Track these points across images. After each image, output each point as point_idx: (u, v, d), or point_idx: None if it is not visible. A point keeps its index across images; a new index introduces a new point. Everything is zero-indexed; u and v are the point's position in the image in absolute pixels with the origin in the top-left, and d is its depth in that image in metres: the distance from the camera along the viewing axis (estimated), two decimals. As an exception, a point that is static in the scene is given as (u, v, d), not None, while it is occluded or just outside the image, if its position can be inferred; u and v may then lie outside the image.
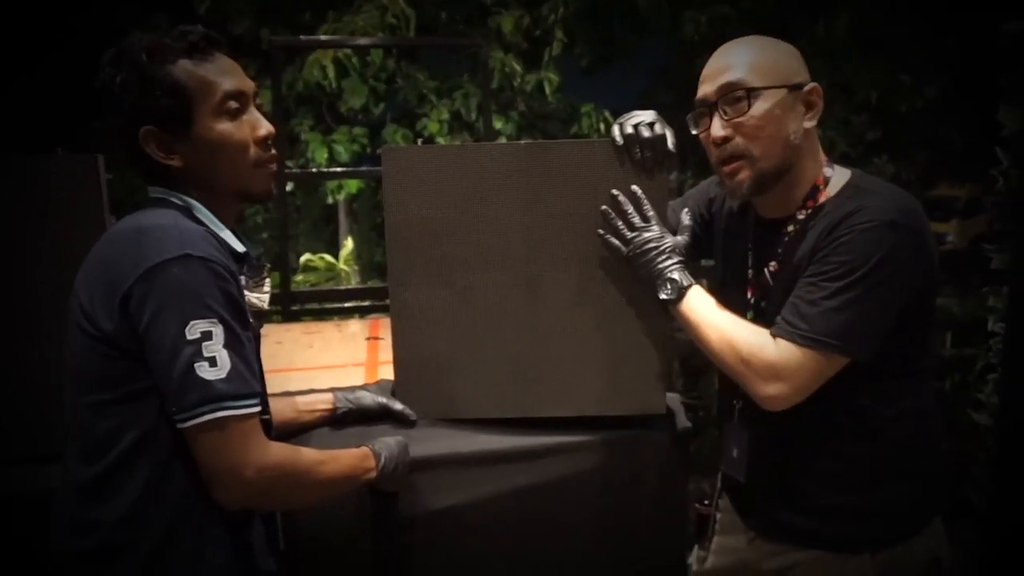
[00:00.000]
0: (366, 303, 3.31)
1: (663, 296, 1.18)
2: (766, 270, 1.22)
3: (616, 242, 1.21)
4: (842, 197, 1.14)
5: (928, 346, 1.21)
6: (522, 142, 1.32)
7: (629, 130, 1.18)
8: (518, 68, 6.65)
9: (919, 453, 1.20)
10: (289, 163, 6.60)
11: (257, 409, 0.92)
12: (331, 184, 6.77)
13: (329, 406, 1.30)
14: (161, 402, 0.90)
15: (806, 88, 1.15)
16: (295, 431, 1.25)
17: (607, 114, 7.14)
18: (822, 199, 1.16)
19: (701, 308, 1.17)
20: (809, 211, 1.17)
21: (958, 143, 7.19)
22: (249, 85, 1.01)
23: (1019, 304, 1.98)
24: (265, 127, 1.01)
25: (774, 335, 1.12)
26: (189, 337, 0.87)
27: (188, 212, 0.98)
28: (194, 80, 0.96)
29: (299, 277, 6.48)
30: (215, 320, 0.88)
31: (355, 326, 2.44)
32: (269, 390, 1.47)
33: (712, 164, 1.20)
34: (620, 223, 1.20)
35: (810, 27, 6.38)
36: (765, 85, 1.12)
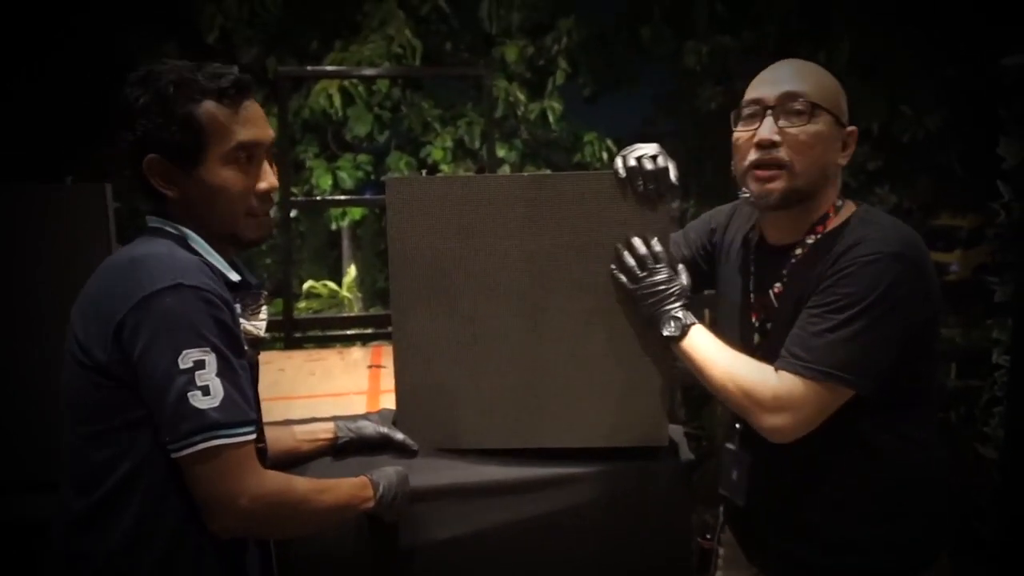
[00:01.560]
0: (368, 331, 3.32)
1: (666, 333, 1.18)
2: (771, 292, 1.22)
3: (624, 279, 1.22)
4: (848, 226, 1.15)
5: (932, 377, 1.21)
6: (526, 174, 1.33)
7: (632, 162, 1.19)
8: (522, 97, 6.73)
9: (923, 484, 1.18)
10: (294, 189, 6.64)
11: (251, 437, 0.91)
12: (335, 211, 6.81)
13: (330, 435, 1.29)
14: (155, 432, 0.90)
15: (848, 128, 1.17)
16: (295, 461, 1.25)
17: (610, 142, 7.21)
18: (831, 227, 1.18)
19: (703, 345, 1.17)
20: (818, 236, 1.18)
21: (959, 173, 7.23)
22: (267, 136, 1.01)
23: (1023, 336, 1.98)
24: (268, 181, 1.01)
25: (778, 368, 1.12)
26: (182, 366, 0.87)
27: (183, 241, 0.99)
28: (214, 124, 0.96)
29: (302, 304, 6.49)
30: (208, 349, 0.88)
31: (357, 354, 2.44)
32: (270, 418, 1.46)
33: (737, 167, 1.19)
34: (633, 262, 1.21)
35: (811, 57, 6.45)
36: (827, 107, 1.14)
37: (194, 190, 0.98)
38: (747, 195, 1.19)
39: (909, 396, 1.16)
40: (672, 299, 1.19)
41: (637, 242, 1.21)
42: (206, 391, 0.87)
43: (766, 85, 1.16)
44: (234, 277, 1.01)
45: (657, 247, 1.21)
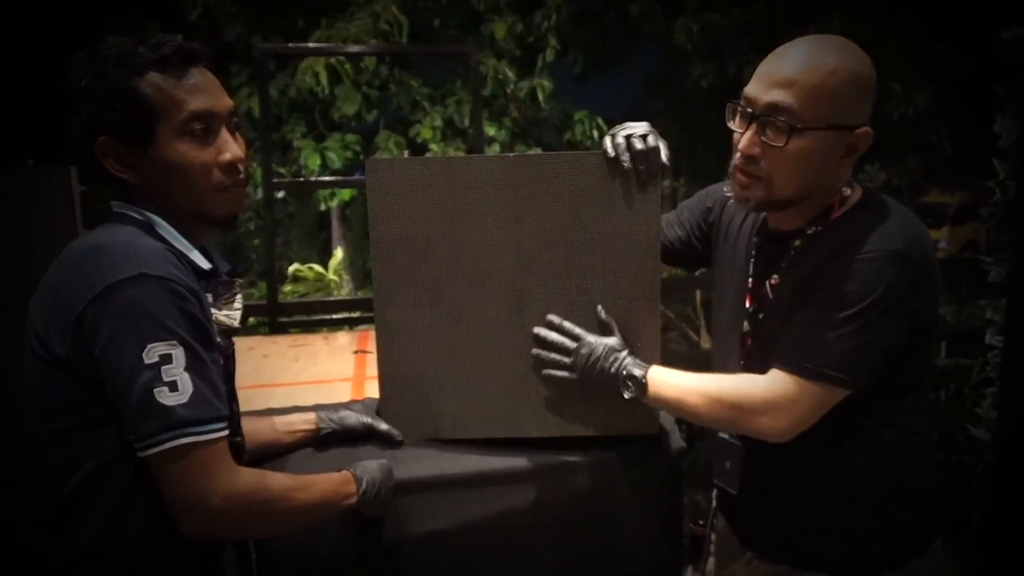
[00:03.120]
0: (355, 315, 3.28)
1: (628, 395, 1.14)
2: (768, 282, 1.19)
3: (563, 374, 1.18)
4: (850, 217, 1.11)
5: (926, 366, 1.19)
6: (511, 154, 1.29)
7: (620, 141, 1.15)
8: (511, 75, 6.65)
9: (917, 470, 1.17)
10: (282, 170, 6.57)
11: (223, 434, 0.88)
12: (324, 191, 6.73)
13: (312, 426, 1.26)
14: (120, 430, 0.86)
15: (858, 131, 1.08)
16: (276, 453, 1.21)
17: (600, 121, 7.15)
18: (834, 216, 1.13)
19: (669, 382, 1.14)
20: (819, 228, 1.14)
21: (949, 150, 7.23)
22: (223, 105, 0.96)
23: (1017, 317, 1.96)
24: (231, 151, 0.95)
25: (774, 366, 1.09)
26: (147, 361, 0.82)
27: (149, 228, 0.94)
28: (160, 95, 0.91)
29: (288, 288, 6.42)
30: (175, 342, 0.84)
31: (343, 339, 2.40)
32: (252, 406, 1.43)
33: (733, 160, 1.14)
34: (555, 355, 1.18)
35: (800, 34, 6.40)
36: (813, 125, 1.04)
37: (152, 170, 0.93)
38: (729, 193, 1.16)
39: (902, 385, 1.14)
40: (610, 359, 1.14)
41: (542, 332, 1.18)
42: (173, 387, 0.83)
43: (758, 83, 1.08)
44: (204, 265, 0.96)
45: (565, 324, 1.17)
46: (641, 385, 1.14)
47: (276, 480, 0.95)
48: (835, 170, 1.11)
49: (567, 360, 1.17)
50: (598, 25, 7.54)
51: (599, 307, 1.19)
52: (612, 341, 1.17)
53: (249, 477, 0.91)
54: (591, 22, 7.48)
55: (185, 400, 0.84)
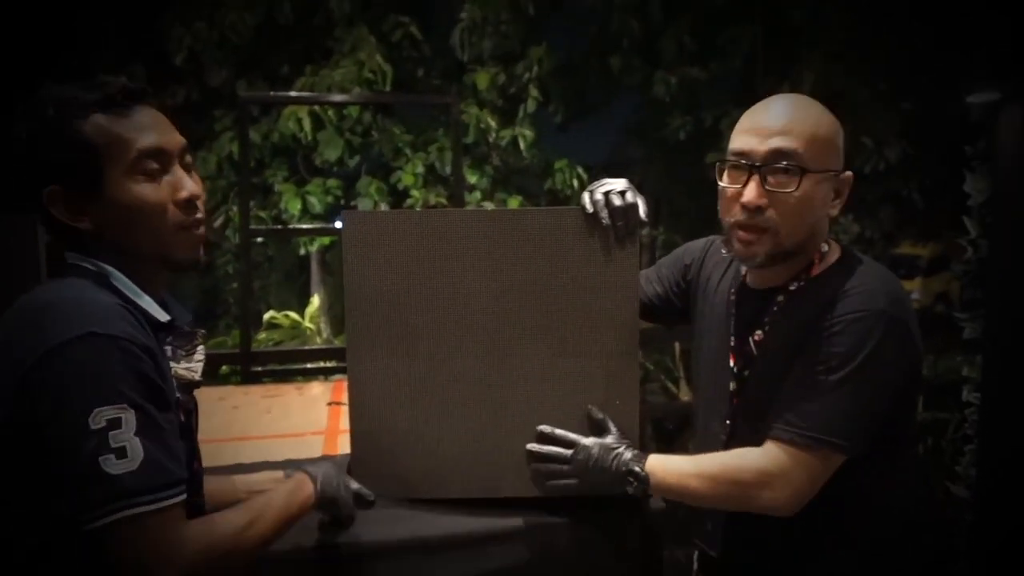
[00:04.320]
0: (331, 364, 3.22)
1: (632, 491, 1.13)
2: (751, 339, 1.18)
3: (564, 482, 1.16)
4: (834, 275, 1.12)
5: (911, 423, 1.18)
6: (488, 208, 1.28)
7: (599, 198, 1.15)
8: (493, 124, 6.74)
9: (907, 529, 1.15)
10: (263, 213, 6.54)
11: (178, 499, 0.83)
12: (301, 236, 6.70)
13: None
14: (64, 503, 0.81)
15: (843, 176, 1.12)
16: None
17: (580, 170, 7.25)
18: (815, 273, 1.14)
19: (670, 469, 1.12)
20: (802, 283, 1.14)
21: (920, 204, 7.42)
22: (174, 141, 0.93)
23: (993, 375, 1.97)
24: (188, 188, 0.93)
25: (769, 438, 1.08)
26: (93, 427, 0.78)
27: (104, 279, 0.90)
28: (105, 136, 0.88)
29: (262, 335, 6.31)
30: (124, 405, 0.79)
31: (317, 389, 2.35)
32: (221, 460, 1.38)
33: (723, 218, 1.14)
34: (553, 466, 1.16)
35: (775, 89, 6.61)
36: (818, 168, 1.07)
37: (106, 215, 0.89)
38: (730, 253, 1.15)
39: (889, 443, 1.12)
40: (609, 460, 1.13)
41: (535, 447, 1.17)
42: (121, 453, 0.78)
43: (753, 136, 1.09)
44: (162, 317, 0.92)
45: (557, 432, 1.16)
46: (643, 479, 1.11)
47: (227, 524, 0.89)
48: (826, 216, 1.13)
49: (566, 468, 1.15)
50: (578, 77, 7.72)
51: (590, 407, 1.17)
52: (608, 440, 1.14)
53: (199, 534, 0.85)
54: (572, 74, 7.65)
55: (135, 467, 0.79)
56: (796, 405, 1.06)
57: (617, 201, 1.14)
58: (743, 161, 1.09)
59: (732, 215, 1.12)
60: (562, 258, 1.17)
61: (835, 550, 1.13)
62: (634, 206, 1.14)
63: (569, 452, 1.15)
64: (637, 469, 1.11)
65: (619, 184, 1.16)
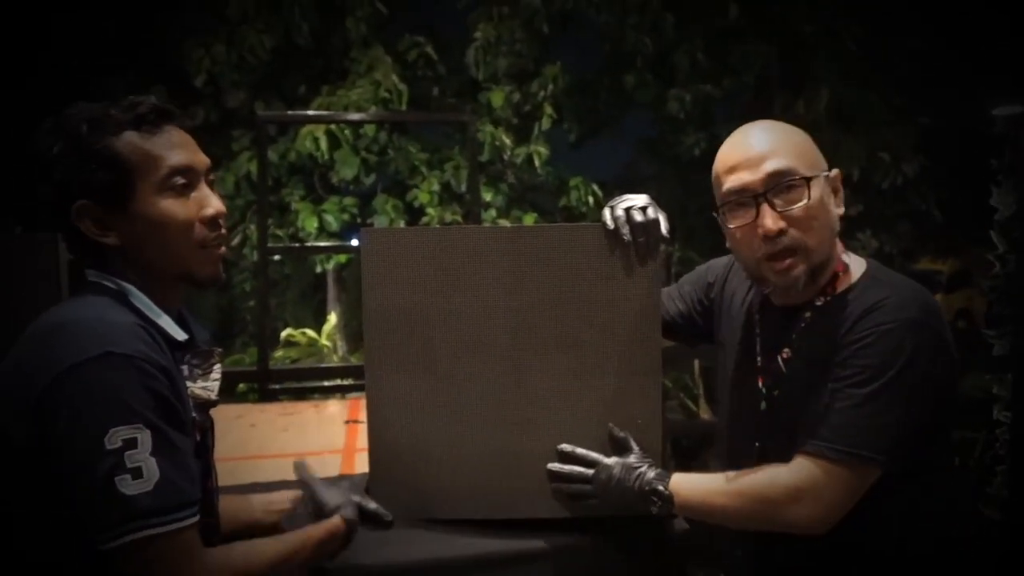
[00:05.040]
0: (347, 382, 3.21)
1: (656, 511, 1.11)
2: (779, 357, 1.16)
3: (588, 502, 1.14)
4: (861, 288, 1.10)
5: (948, 438, 1.15)
6: (508, 225, 1.27)
7: (620, 214, 1.14)
8: (508, 141, 6.77)
9: (949, 547, 1.10)
10: (279, 231, 6.60)
11: (192, 521, 0.82)
12: (319, 254, 6.75)
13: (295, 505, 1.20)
14: (78, 523, 0.80)
15: (832, 174, 1.12)
16: (258, 535, 1.14)
17: (595, 187, 7.25)
18: (841, 287, 1.12)
19: (694, 487, 1.10)
20: (828, 298, 1.12)
21: (939, 218, 7.34)
22: (201, 160, 0.95)
23: (1024, 392, 1.92)
24: (214, 206, 0.94)
25: (800, 453, 1.05)
26: (109, 447, 0.77)
27: (123, 298, 0.90)
28: (137, 154, 0.90)
29: (279, 353, 6.33)
30: (140, 425, 0.79)
31: (334, 407, 2.34)
32: (238, 479, 1.37)
33: (745, 260, 1.12)
34: (574, 486, 1.15)
35: (790, 105, 6.59)
36: (814, 173, 1.08)
37: (134, 230, 0.90)
38: (768, 290, 1.14)
39: (925, 458, 1.09)
40: (632, 479, 1.10)
41: (555, 467, 1.15)
42: (137, 473, 0.78)
43: (742, 171, 1.09)
44: (180, 336, 0.92)
45: (578, 451, 1.14)
46: (667, 499, 1.09)
47: (265, 551, 0.90)
48: (835, 217, 1.12)
49: (587, 488, 1.13)
50: (592, 94, 7.75)
51: (611, 425, 1.16)
52: (630, 459, 1.12)
53: (227, 561, 0.85)
54: (585, 91, 7.68)
55: (150, 488, 0.78)
56: (828, 419, 1.03)
57: (638, 217, 1.13)
58: (746, 196, 1.09)
59: (754, 251, 1.10)
60: (582, 275, 1.16)
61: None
62: (655, 222, 1.13)
63: (591, 472, 1.13)
64: (660, 488, 1.09)
65: (640, 200, 1.15)
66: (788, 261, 1.08)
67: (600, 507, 1.14)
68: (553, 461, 1.17)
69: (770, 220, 1.07)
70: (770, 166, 1.07)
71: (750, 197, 1.08)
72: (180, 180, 0.91)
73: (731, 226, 1.12)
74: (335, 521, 1.02)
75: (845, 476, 1.02)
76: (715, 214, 1.15)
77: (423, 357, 1.19)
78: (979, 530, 1.27)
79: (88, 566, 0.81)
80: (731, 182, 1.10)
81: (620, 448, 1.14)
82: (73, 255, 0.94)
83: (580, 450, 1.15)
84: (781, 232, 1.07)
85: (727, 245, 1.17)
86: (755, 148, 1.10)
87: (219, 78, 6.44)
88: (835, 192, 1.13)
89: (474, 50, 6.66)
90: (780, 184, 1.07)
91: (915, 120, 6.65)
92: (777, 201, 1.07)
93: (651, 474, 1.10)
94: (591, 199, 7.14)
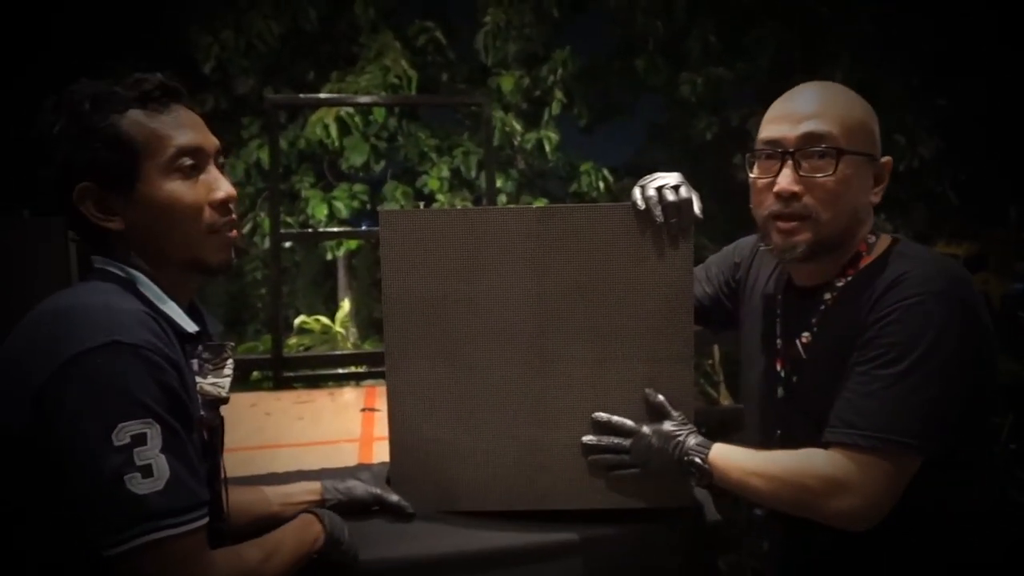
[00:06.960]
0: (362, 369, 3.19)
1: (695, 483, 1.09)
2: (798, 341, 1.11)
3: (626, 471, 1.11)
4: (882, 264, 1.04)
5: (990, 428, 1.09)
6: (532, 206, 1.22)
7: (652, 193, 1.09)
8: (518, 127, 6.72)
9: (986, 548, 1.05)
10: (289, 219, 6.58)
11: (202, 523, 0.78)
12: (330, 241, 6.74)
13: (316, 498, 1.16)
14: (79, 523, 0.76)
15: (881, 161, 1.07)
16: (274, 528, 1.12)
17: (606, 172, 7.19)
18: (862, 265, 1.07)
19: (732, 463, 1.06)
20: (849, 278, 1.07)
21: (954, 201, 7.25)
22: (210, 142, 0.90)
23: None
24: (224, 189, 0.89)
25: (828, 442, 1.00)
26: (117, 443, 0.73)
27: (130, 286, 0.86)
28: (143, 133, 0.85)
29: (293, 340, 6.32)
30: (150, 420, 0.74)
31: (349, 395, 2.32)
32: (254, 469, 1.34)
33: (756, 213, 1.09)
34: (611, 456, 1.11)
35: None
36: (854, 150, 1.03)
37: (139, 214, 0.85)
38: (768, 247, 1.09)
39: (966, 452, 1.03)
40: (671, 449, 1.07)
41: (590, 439, 1.12)
42: (147, 471, 0.73)
43: (785, 123, 1.04)
44: (190, 328, 0.88)
45: (614, 420, 1.11)
46: (706, 472, 1.06)
47: (248, 557, 0.86)
48: (868, 205, 1.07)
49: (627, 458, 1.10)
50: (603, 79, 7.67)
51: (648, 390, 1.12)
52: (668, 426, 1.09)
53: (226, 564, 0.81)
54: (596, 76, 7.60)
55: (161, 487, 0.74)
56: (856, 405, 0.98)
57: (671, 196, 1.08)
58: (775, 149, 1.04)
59: (766, 206, 1.06)
60: (612, 258, 1.11)
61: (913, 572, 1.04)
62: (688, 201, 1.08)
63: (628, 442, 1.10)
64: (698, 460, 1.06)
65: (672, 178, 1.10)
66: (794, 224, 1.04)
67: (640, 477, 1.10)
68: (577, 452, 1.14)
69: (788, 179, 1.03)
70: (808, 127, 1.02)
71: (779, 151, 1.04)
72: (188, 161, 0.86)
73: (753, 175, 1.08)
74: (305, 516, 0.99)
75: (882, 465, 0.96)
76: (744, 156, 1.11)
77: (445, 344, 1.15)
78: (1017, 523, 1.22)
79: (90, 568, 0.76)
80: (768, 131, 1.06)
81: (657, 414, 1.11)
82: (79, 240, 0.89)
83: (616, 418, 1.11)
84: (795, 195, 1.03)
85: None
86: (804, 105, 1.05)
87: (228, 65, 6.41)
88: (877, 180, 1.07)
89: (483, 35, 6.60)
90: (812, 148, 1.02)
91: (932, 102, 6.54)
92: (804, 164, 1.02)
93: (691, 442, 1.07)
94: (602, 184, 7.09)
